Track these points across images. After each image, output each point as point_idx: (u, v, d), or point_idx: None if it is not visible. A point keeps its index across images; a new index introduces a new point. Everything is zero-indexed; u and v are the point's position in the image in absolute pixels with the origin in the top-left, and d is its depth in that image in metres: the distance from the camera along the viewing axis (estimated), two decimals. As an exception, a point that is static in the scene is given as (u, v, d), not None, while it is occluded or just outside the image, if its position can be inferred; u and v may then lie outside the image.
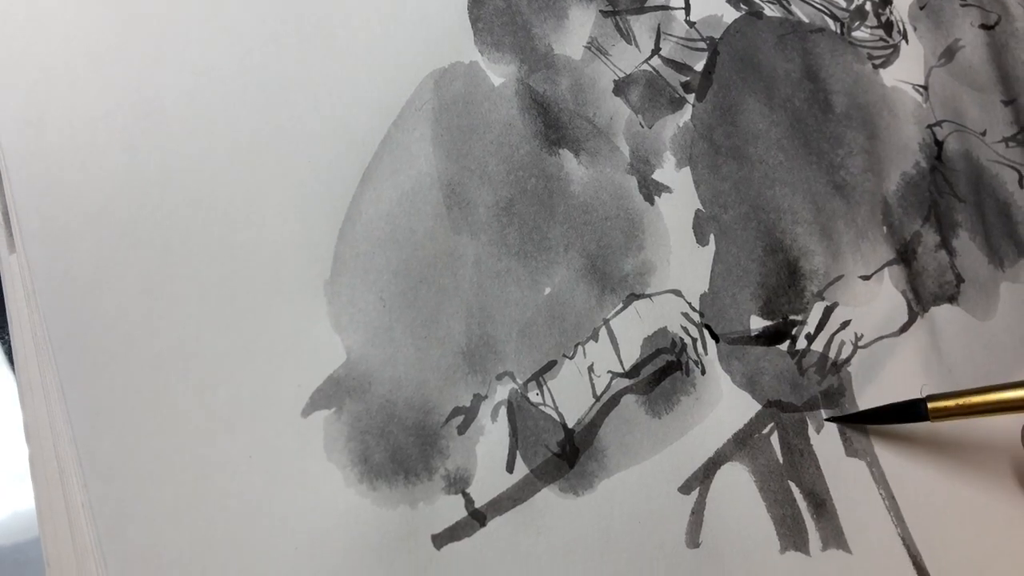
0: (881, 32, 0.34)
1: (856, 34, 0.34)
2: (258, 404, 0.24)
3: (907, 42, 0.35)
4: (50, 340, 0.24)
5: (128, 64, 0.25)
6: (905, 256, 0.32)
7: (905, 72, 0.34)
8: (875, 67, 0.34)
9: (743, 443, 0.28)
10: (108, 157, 0.24)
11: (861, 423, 0.29)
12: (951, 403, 0.28)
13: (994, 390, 0.28)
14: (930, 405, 0.28)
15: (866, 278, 0.31)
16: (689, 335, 0.28)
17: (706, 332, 0.28)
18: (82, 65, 0.25)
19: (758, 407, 0.28)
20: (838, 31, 0.34)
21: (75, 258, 0.24)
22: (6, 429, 0.27)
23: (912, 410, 0.28)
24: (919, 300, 0.32)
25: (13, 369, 0.26)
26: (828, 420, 0.29)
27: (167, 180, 0.25)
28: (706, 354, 0.28)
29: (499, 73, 0.28)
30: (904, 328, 0.31)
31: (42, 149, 0.24)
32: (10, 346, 0.26)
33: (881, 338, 0.31)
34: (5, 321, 0.26)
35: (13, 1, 0.25)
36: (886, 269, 0.32)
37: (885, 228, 0.32)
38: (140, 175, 0.25)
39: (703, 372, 0.28)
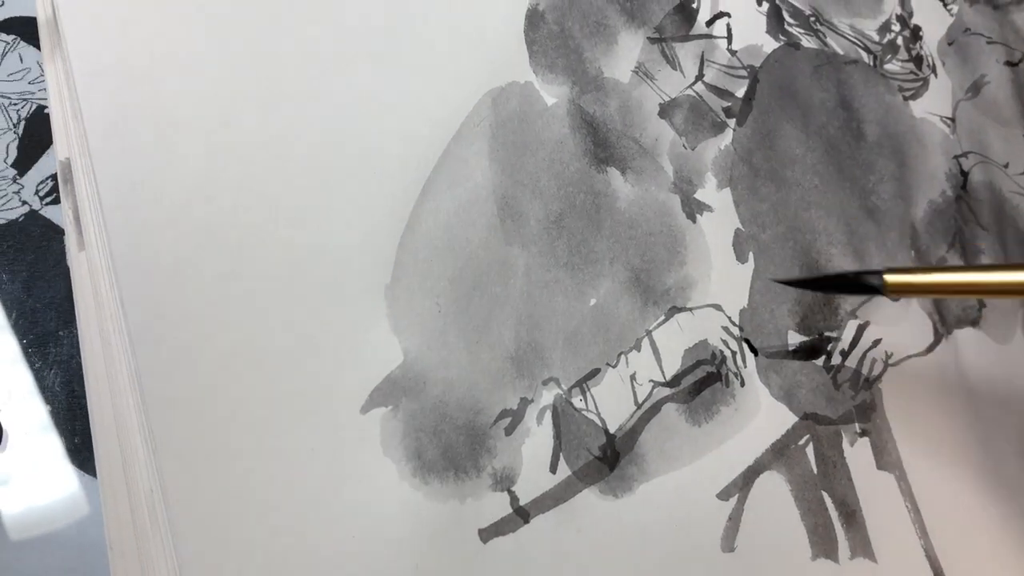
0: (912, 66, 0.35)
1: (888, 67, 0.35)
2: (320, 400, 0.25)
3: (936, 76, 0.36)
4: (128, 333, 0.25)
5: (210, 72, 0.26)
6: (932, 280, 0.33)
7: (934, 104, 0.35)
8: (905, 99, 0.35)
9: (780, 453, 0.29)
10: (189, 159, 0.26)
11: (815, 289, 0.28)
12: (910, 278, 0.26)
13: (955, 270, 0.26)
14: (887, 278, 0.26)
15: (895, 300, 0.32)
16: (729, 348, 0.29)
17: (745, 346, 0.29)
18: (166, 70, 0.26)
19: (795, 419, 0.29)
20: (871, 63, 0.35)
21: (154, 255, 0.25)
22: (72, 420, 0.28)
23: (868, 281, 0.26)
24: (944, 322, 0.33)
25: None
26: (774, 279, 0.28)
27: (243, 184, 0.26)
28: (745, 367, 0.29)
29: (552, 93, 0.29)
30: (930, 348, 0.32)
31: (127, 149, 0.25)
32: (76, 340, 0.27)
33: (909, 357, 0.32)
34: (73, 316, 0.27)
35: (102, 3, 0.26)
36: (914, 291, 0.32)
37: (913, 252, 0.33)
38: (218, 178, 0.26)
39: (742, 384, 0.29)
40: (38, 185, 0.30)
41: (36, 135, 0.30)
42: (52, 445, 0.28)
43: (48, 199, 0.30)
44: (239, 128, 0.26)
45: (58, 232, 0.29)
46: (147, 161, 0.25)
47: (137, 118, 0.26)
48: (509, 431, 0.26)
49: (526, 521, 0.26)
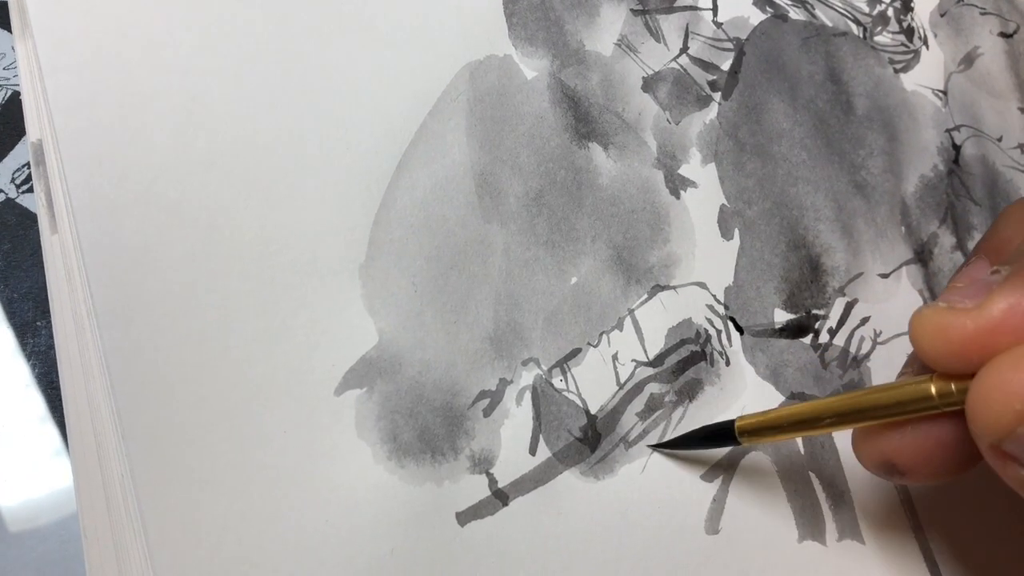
0: (902, 37, 0.34)
1: (878, 39, 0.33)
2: (293, 381, 0.24)
3: (927, 48, 0.34)
4: (96, 315, 0.24)
5: (177, 48, 0.25)
6: (922, 256, 0.32)
7: (925, 77, 0.34)
8: (896, 71, 0.33)
9: (765, 433, 0.27)
10: (156, 138, 0.24)
11: (681, 447, 0.26)
12: (755, 420, 0.24)
13: (801, 410, 0.23)
14: (738, 424, 0.24)
15: (884, 276, 0.31)
16: (714, 326, 0.28)
17: (730, 324, 0.28)
18: (134, 46, 0.25)
19: (782, 398, 0.28)
20: (861, 35, 0.33)
21: (122, 235, 0.24)
22: (44, 409, 0.27)
23: (724, 434, 0.25)
24: (934, 298, 0.31)
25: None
26: (649, 446, 0.26)
27: (211, 162, 0.25)
28: (730, 345, 0.28)
29: (532, 67, 0.28)
30: (921, 326, 0.31)
31: (93, 127, 0.24)
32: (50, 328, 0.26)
33: (899, 335, 0.30)
34: (47, 302, 0.26)
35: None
36: (904, 268, 0.31)
37: (903, 228, 0.32)
38: (186, 156, 0.24)
39: (727, 363, 0.28)
40: (14, 173, 0.29)
41: (12, 122, 0.29)
42: (32, 437, 0.27)
43: (24, 187, 0.29)
44: (207, 104, 0.25)
45: (34, 220, 0.28)
46: (113, 139, 0.24)
47: (103, 95, 0.24)
48: (488, 412, 0.25)
49: (505, 504, 0.25)
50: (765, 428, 0.24)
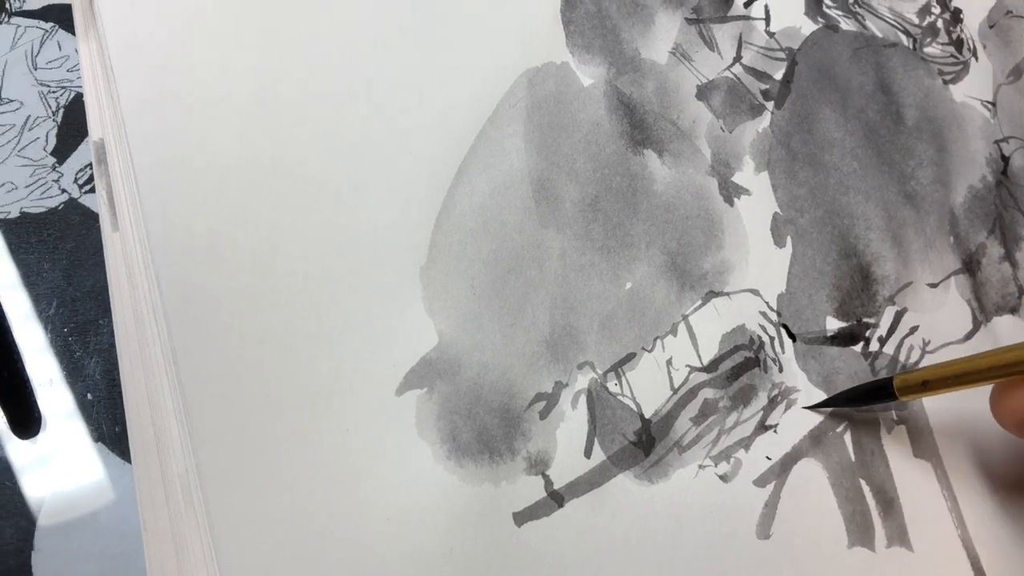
0: (952, 49, 0.33)
1: (927, 50, 0.33)
2: (356, 381, 0.24)
3: (976, 59, 0.34)
4: (164, 313, 0.24)
5: (247, 52, 0.25)
6: (970, 266, 0.31)
7: (974, 88, 0.33)
8: (945, 83, 0.33)
9: (818, 440, 0.27)
10: (225, 140, 0.24)
11: (836, 406, 0.27)
12: (915, 377, 0.25)
13: (957, 363, 0.24)
14: (897, 380, 0.25)
15: (933, 286, 0.30)
16: (767, 333, 0.27)
17: (783, 331, 0.28)
18: (204, 50, 0.25)
19: (833, 406, 0.28)
20: (910, 47, 0.33)
21: (190, 235, 0.24)
22: (112, 408, 0.27)
23: (881, 390, 0.26)
24: (983, 310, 0.31)
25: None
26: (806, 407, 0.27)
27: (278, 164, 0.24)
28: (783, 352, 0.27)
29: (588, 74, 0.28)
30: (968, 336, 0.30)
31: (164, 128, 0.24)
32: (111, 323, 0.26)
33: (947, 344, 0.30)
34: (108, 299, 0.26)
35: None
36: (952, 278, 0.31)
37: (952, 238, 0.31)
38: (254, 158, 0.24)
39: (780, 370, 0.27)
40: (77, 173, 0.29)
41: (75, 123, 0.29)
42: (90, 431, 0.27)
43: (87, 187, 0.29)
44: (275, 106, 0.25)
45: (97, 220, 0.28)
46: (182, 139, 0.24)
47: (172, 95, 0.24)
48: (544, 415, 0.25)
49: (560, 505, 0.24)
50: (924, 382, 0.24)
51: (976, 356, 0.24)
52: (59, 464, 0.26)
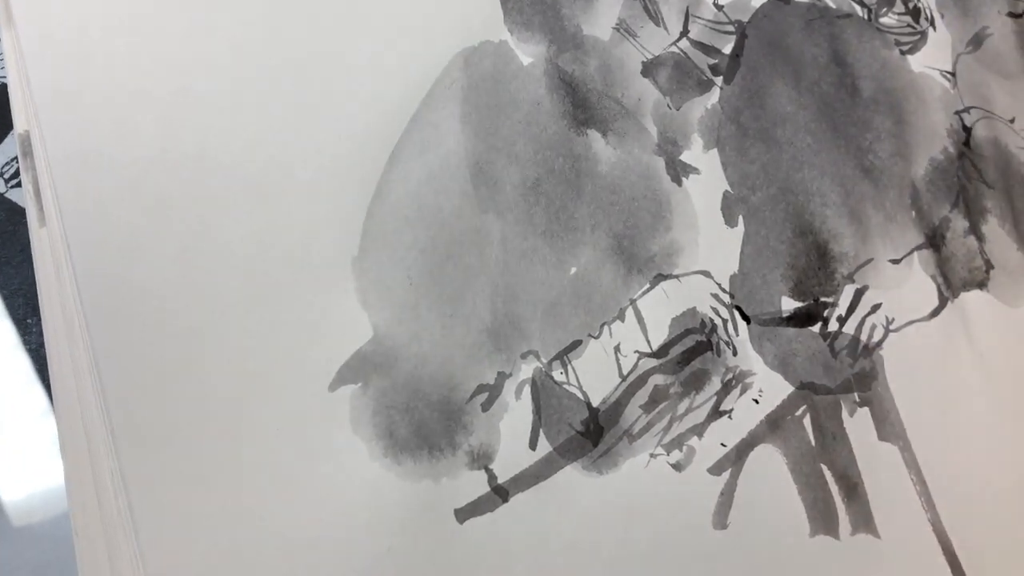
0: (908, 19, 0.32)
1: (883, 20, 0.32)
2: (287, 377, 0.23)
3: (934, 29, 0.32)
4: (84, 311, 0.23)
5: (164, 38, 0.24)
6: (934, 241, 0.30)
7: (932, 58, 0.32)
8: (902, 53, 0.32)
9: (776, 425, 0.26)
10: (143, 130, 0.23)
11: None
12: None
13: None
14: None
15: (896, 262, 0.29)
16: (719, 316, 0.26)
17: (736, 313, 0.26)
18: (119, 37, 0.24)
19: (791, 389, 0.26)
20: (865, 17, 0.31)
21: (110, 230, 0.23)
22: (36, 407, 0.26)
23: None
24: (949, 285, 0.30)
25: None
26: None
27: (200, 154, 0.23)
28: (737, 335, 0.26)
29: (528, 53, 0.27)
30: (935, 313, 0.29)
31: (78, 121, 0.23)
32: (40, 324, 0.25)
33: (912, 322, 0.29)
34: (36, 297, 0.25)
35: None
36: (915, 253, 0.29)
37: (914, 212, 0.30)
38: (174, 149, 0.23)
39: (734, 353, 0.26)
40: (3, 167, 0.28)
41: (0, 115, 0.28)
42: (30, 434, 0.26)
43: (13, 181, 0.28)
44: (195, 96, 0.24)
45: (24, 215, 0.27)
46: (99, 132, 0.23)
47: (89, 85, 0.23)
48: (486, 407, 0.24)
49: (505, 500, 0.23)
50: None
51: None
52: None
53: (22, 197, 0.27)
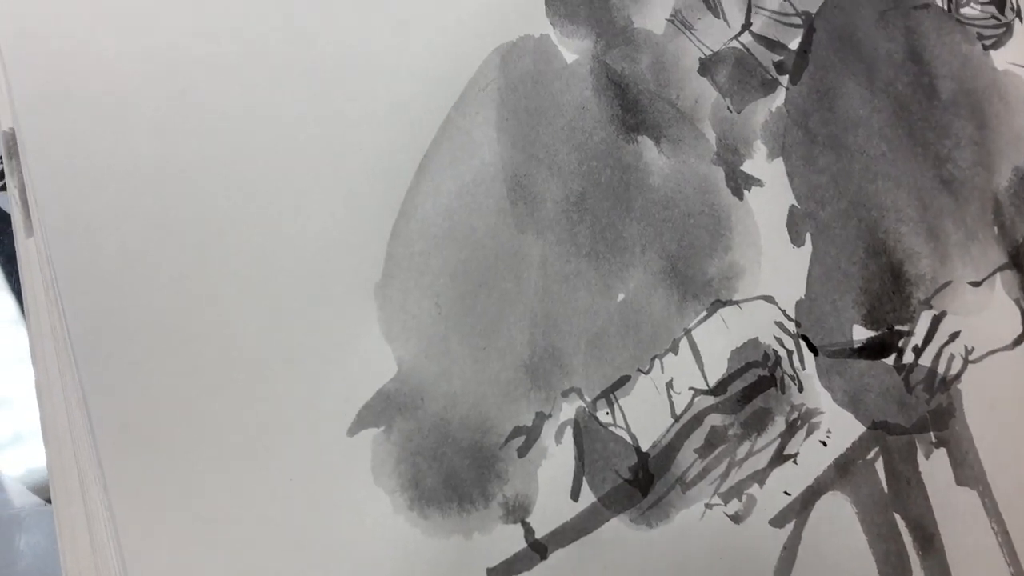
0: (992, 9, 0.29)
1: (964, 11, 0.28)
2: (300, 421, 0.20)
3: (1021, 20, 0.29)
4: (69, 341, 0.20)
5: (162, 34, 0.21)
6: (1018, 260, 0.27)
7: (1018, 54, 0.29)
8: (985, 48, 0.28)
9: (845, 470, 0.23)
10: (138, 139, 0.21)
11: None
12: None
13: None
14: None
15: (976, 284, 0.26)
16: (784, 347, 0.24)
17: (803, 343, 0.24)
18: (112, 35, 0.21)
19: (862, 429, 0.24)
20: (945, 7, 0.28)
21: (100, 251, 0.20)
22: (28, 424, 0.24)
23: None
24: (1034, 309, 0.27)
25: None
26: None
27: (203, 167, 0.21)
28: (803, 368, 0.24)
29: (573, 49, 0.24)
30: (1018, 341, 0.26)
31: (65, 129, 0.20)
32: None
33: (993, 352, 0.26)
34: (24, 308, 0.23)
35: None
36: (998, 274, 0.27)
37: (996, 228, 0.27)
38: (173, 161, 0.21)
39: (800, 389, 0.23)
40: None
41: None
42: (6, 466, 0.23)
43: (0, 182, 0.25)
44: (197, 97, 0.21)
45: (10, 223, 0.24)
46: (87, 139, 0.20)
47: (75, 87, 0.20)
48: (523, 452, 0.21)
49: (543, 557, 0.21)
50: None
51: None
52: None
53: (7, 202, 0.24)
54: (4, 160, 0.23)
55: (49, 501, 0.23)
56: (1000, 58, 0.29)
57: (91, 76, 0.21)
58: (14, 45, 0.20)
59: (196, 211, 0.21)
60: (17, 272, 0.23)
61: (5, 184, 0.25)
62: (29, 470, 0.24)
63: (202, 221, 0.21)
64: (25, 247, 0.22)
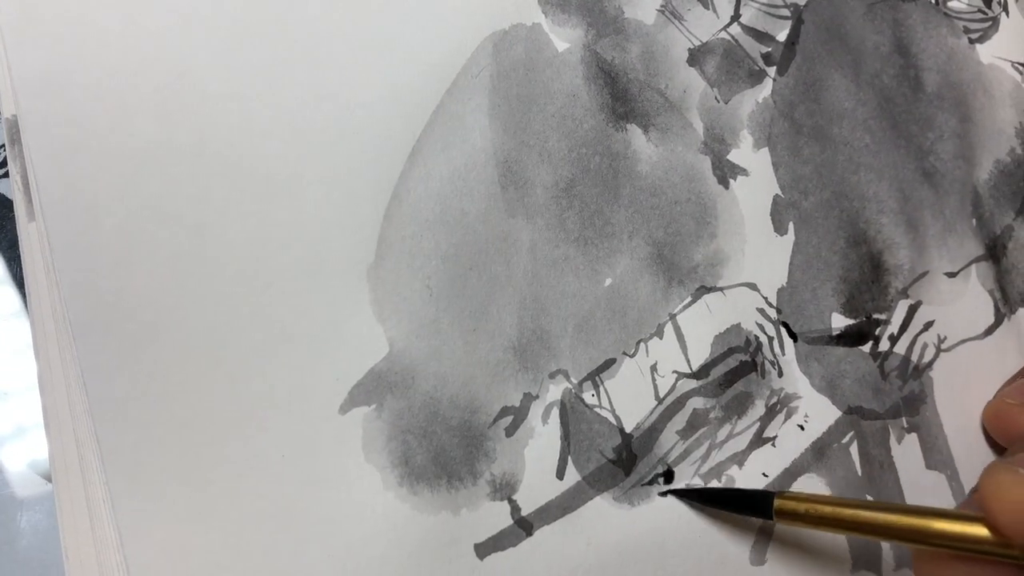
0: (979, 3, 0.29)
1: (951, 4, 0.29)
2: (293, 399, 0.20)
3: (1007, 15, 0.29)
4: (69, 321, 0.20)
5: (162, 19, 0.21)
6: (994, 252, 0.27)
7: (1004, 48, 0.29)
8: (971, 42, 0.29)
9: (822, 453, 0.24)
10: (137, 122, 0.21)
11: (700, 502, 0.22)
12: (799, 507, 0.20)
13: (849, 505, 0.20)
14: (777, 503, 0.21)
15: (952, 275, 0.26)
16: (765, 333, 0.24)
17: (784, 330, 0.24)
18: (112, 19, 0.21)
19: (838, 414, 0.24)
20: (932, 1, 0.28)
21: (99, 233, 0.20)
22: (29, 415, 0.24)
23: (758, 504, 0.21)
24: (1007, 300, 0.27)
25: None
26: (661, 494, 0.22)
27: (201, 150, 0.21)
28: (783, 354, 0.24)
29: (564, 38, 0.24)
30: (990, 331, 0.27)
31: (66, 111, 0.20)
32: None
33: (965, 341, 0.26)
34: (25, 293, 0.23)
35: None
36: (973, 266, 0.27)
37: (974, 220, 0.27)
38: (172, 144, 0.21)
39: (780, 374, 0.24)
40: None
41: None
42: (10, 446, 0.24)
43: (3, 169, 0.25)
44: (194, 83, 0.21)
45: (12, 208, 0.24)
46: (87, 124, 0.20)
47: (75, 73, 0.20)
48: (510, 432, 0.22)
49: (529, 533, 0.21)
50: (806, 517, 0.20)
51: (873, 509, 0.19)
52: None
53: (8, 187, 0.24)
54: (7, 147, 0.23)
55: (49, 480, 0.23)
56: (986, 52, 0.29)
57: (92, 61, 0.21)
58: (16, 31, 0.20)
59: (195, 195, 0.21)
60: (19, 258, 0.23)
61: (8, 172, 0.24)
62: (30, 450, 0.24)
63: (201, 205, 0.21)
64: (27, 232, 0.22)
